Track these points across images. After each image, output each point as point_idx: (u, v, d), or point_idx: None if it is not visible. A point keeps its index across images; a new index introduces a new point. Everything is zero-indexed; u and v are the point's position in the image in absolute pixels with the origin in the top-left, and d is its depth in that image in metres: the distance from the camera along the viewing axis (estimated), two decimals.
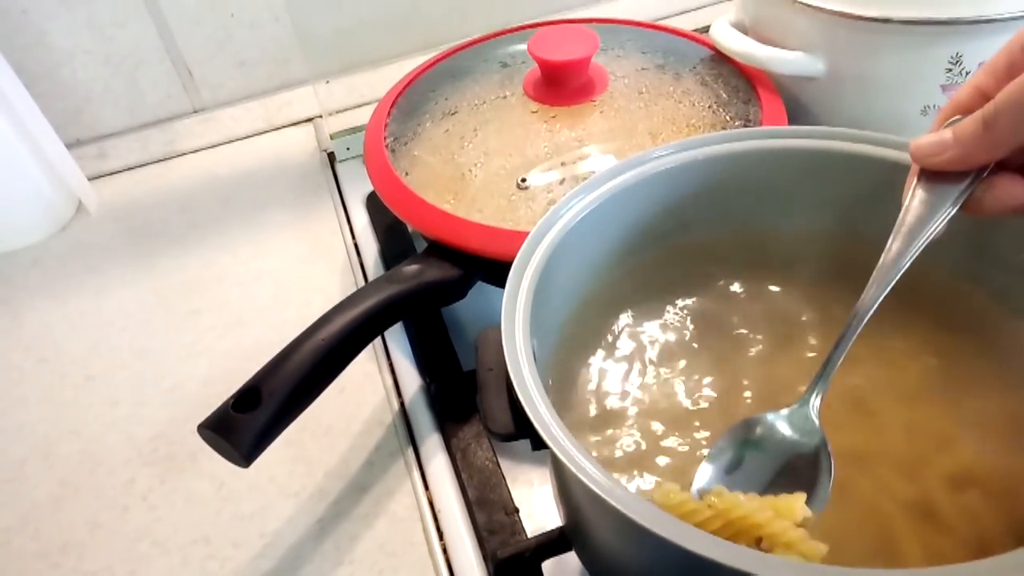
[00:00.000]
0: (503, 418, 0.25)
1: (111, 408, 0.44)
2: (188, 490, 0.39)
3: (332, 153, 0.60)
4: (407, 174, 0.43)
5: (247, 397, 0.32)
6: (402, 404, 0.42)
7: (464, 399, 0.40)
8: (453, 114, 0.45)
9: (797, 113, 0.46)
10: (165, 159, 0.62)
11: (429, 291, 0.38)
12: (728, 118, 0.43)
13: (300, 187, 0.58)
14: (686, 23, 0.66)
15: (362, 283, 0.49)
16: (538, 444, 0.24)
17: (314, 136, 0.63)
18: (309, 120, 0.64)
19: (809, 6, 0.43)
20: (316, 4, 0.59)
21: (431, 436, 0.39)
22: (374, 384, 0.43)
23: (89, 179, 0.59)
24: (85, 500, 0.39)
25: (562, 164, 0.41)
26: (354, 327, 0.35)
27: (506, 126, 0.43)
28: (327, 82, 0.59)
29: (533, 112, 0.44)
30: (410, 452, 0.39)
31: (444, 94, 0.47)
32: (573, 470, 0.22)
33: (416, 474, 0.38)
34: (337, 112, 0.61)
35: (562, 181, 0.40)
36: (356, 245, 0.52)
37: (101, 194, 0.59)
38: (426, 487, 0.38)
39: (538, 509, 0.36)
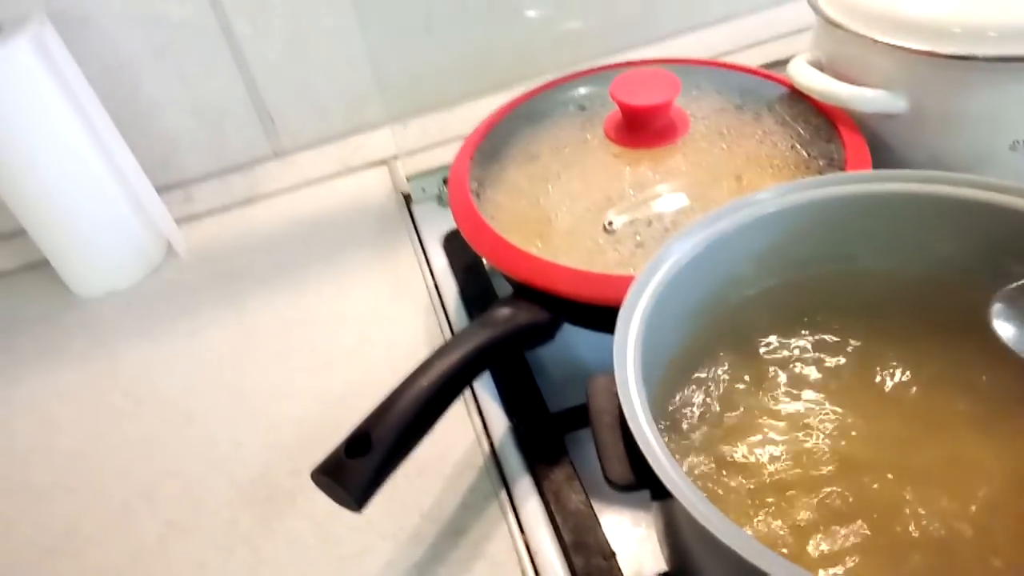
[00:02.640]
0: (622, 469, 0.25)
1: (210, 448, 0.45)
2: (289, 531, 0.40)
3: (408, 195, 0.62)
4: (493, 218, 0.44)
5: (358, 442, 0.33)
6: (492, 446, 0.42)
7: (552, 441, 0.41)
8: (535, 158, 0.46)
9: (878, 149, 0.45)
10: (247, 202, 0.65)
11: (521, 334, 0.39)
12: (811, 157, 0.43)
13: (378, 228, 0.60)
14: (751, 58, 0.66)
15: (445, 324, 0.50)
16: (658, 494, 0.24)
17: (389, 178, 0.64)
18: (383, 162, 0.66)
19: (891, 45, 0.43)
20: (393, 51, 0.61)
21: (522, 478, 0.40)
22: (463, 426, 0.43)
23: (177, 222, 0.62)
24: (191, 540, 0.41)
25: (648, 207, 0.41)
26: (454, 372, 0.36)
27: (589, 169, 0.44)
28: (404, 126, 0.61)
29: (616, 156, 0.44)
30: (503, 495, 0.40)
31: (525, 138, 0.48)
32: (700, 521, 0.22)
33: (511, 517, 0.39)
34: (412, 152, 0.63)
35: (649, 223, 0.41)
36: (436, 285, 0.53)
37: (189, 237, 0.62)
38: (521, 531, 0.38)
39: (634, 552, 0.36)
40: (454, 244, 0.57)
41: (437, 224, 0.58)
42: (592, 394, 0.28)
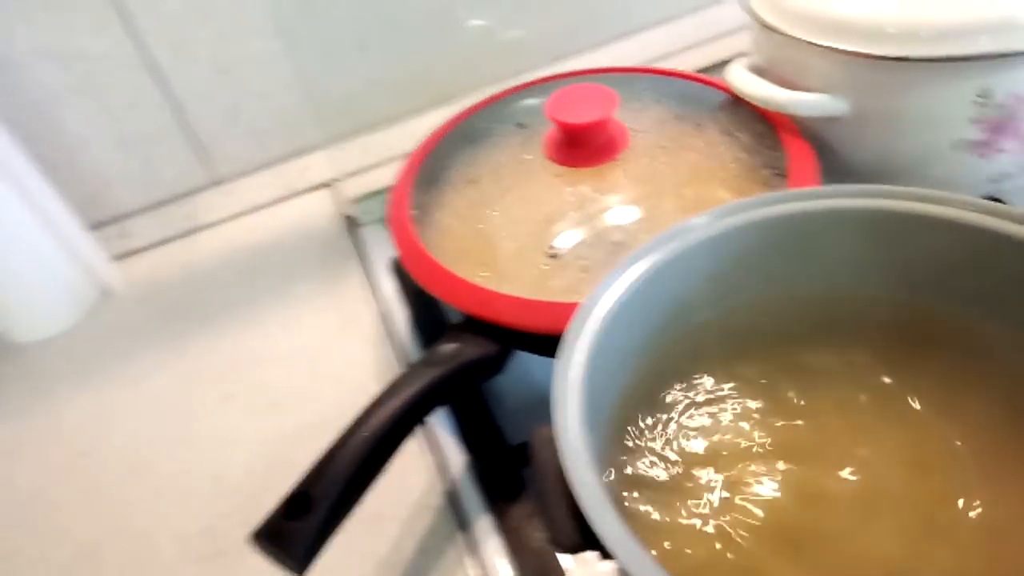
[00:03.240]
0: (567, 530, 0.24)
1: (157, 502, 0.44)
2: None
3: (352, 217, 0.60)
4: (436, 247, 0.42)
5: (297, 502, 0.31)
6: (449, 483, 0.41)
7: (512, 476, 0.40)
8: (476, 182, 0.45)
9: (822, 153, 0.45)
10: (187, 234, 0.62)
11: (469, 371, 0.38)
12: (756, 166, 0.42)
13: (324, 254, 0.58)
14: (694, 60, 0.65)
15: (393, 355, 0.49)
16: (607, 555, 0.24)
17: (331, 200, 0.63)
18: (327, 185, 0.64)
19: (827, 48, 0.42)
20: (327, 70, 0.60)
21: (482, 517, 0.39)
22: (418, 465, 0.42)
23: (114, 258, 0.60)
24: None
25: (592, 228, 0.40)
26: (398, 418, 0.34)
27: (530, 192, 0.43)
28: (343, 148, 0.59)
29: (556, 176, 0.43)
30: (462, 536, 0.39)
31: (464, 160, 0.47)
32: None
33: (470, 560, 0.38)
34: (353, 174, 0.61)
35: (594, 246, 0.40)
36: (385, 313, 0.52)
37: (128, 274, 0.59)
38: (484, 573, 0.37)
39: None
40: (403, 269, 0.55)
41: (384, 248, 0.57)
42: (536, 447, 0.27)
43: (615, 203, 0.41)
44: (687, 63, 0.66)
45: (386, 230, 0.58)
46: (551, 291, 0.39)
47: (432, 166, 0.48)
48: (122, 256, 0.61)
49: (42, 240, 0.53)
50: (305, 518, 0.31)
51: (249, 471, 0.44)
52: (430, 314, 0.50)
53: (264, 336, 0.52)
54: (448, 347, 0.38)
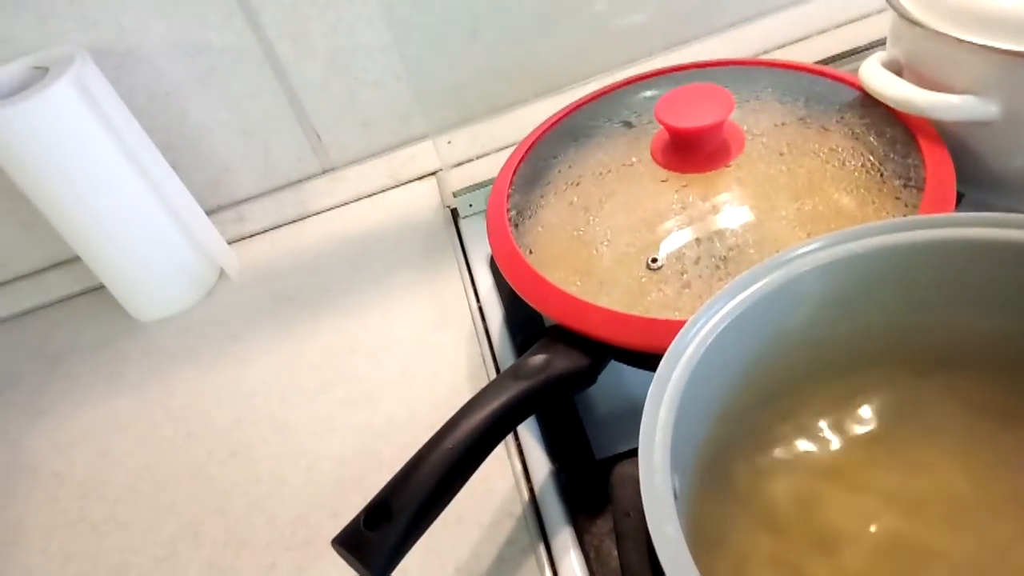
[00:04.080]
0: (643, 574, 0.23)
1: (253, 485, 0.45)
2: None
3: (455, 209, 0.60)
4: (531, 252, 0.41)
5: (377, 512, 0.31)
6: (532, 492, 0.40)
7: (596, 490, 0.38)
8: (577, 184, 0.44)
9: (966, 161, 0.40)
10: (298, 219, 0.64)
11: (558, 383, 0.37)
12: (885, 177, 0.38)
13: (426, 245, 0.58)
14: (823, 46, 0.60)
15: (488, 354, 0.48)
16: None
17: (438, 190, 0.63)
18: (432, 174, 0.64)
19: (980, 45, 0.38)
20: (437, 61, 0.59)
21: (563, 530, 0.38)
22: (503, 469, 0.41)
23: (230, 243, 0.62)
24: None
25: (697, 241, 0.38)
26: (483, 431, 0.34)
27: (634, 198, 0.41)
28: (448, 142, 0.59)
29: (663, 181, 0.41)
30: (541, 548, 0.38)
31: (567, 160, 0.45)
32: None
33: (548, 574, 0.37)
34: (459, 164, 0.61)
35: (697, 260, 0.37)
36: (481, 310, 0.52)
37: (242, 257, 0.62)
38: None
39: None
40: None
41: (484, 242, 0.56)
42: (616, 484, 0.26)
43: (725, 214, 0.39)
44: (814, 51, 0.61)
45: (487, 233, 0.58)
46: (648, 306, 0.37)
47: (533, 165, 0.47)
48: (238, 240, 0.64)
49: (168, 225, 0.56)
50: (384, 528, 0.31)
51: (341, 462, 0.45)
52: (525, 313, 0.49)
53: (363, 325, 0.53)
54: (538, 359, 0.37)
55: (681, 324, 0.27)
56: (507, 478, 0.41)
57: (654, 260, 0.38)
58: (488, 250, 0.55)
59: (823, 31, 0.62)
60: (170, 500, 0.46)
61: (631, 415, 0.43)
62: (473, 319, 0.51)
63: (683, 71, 0.49)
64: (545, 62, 0.62)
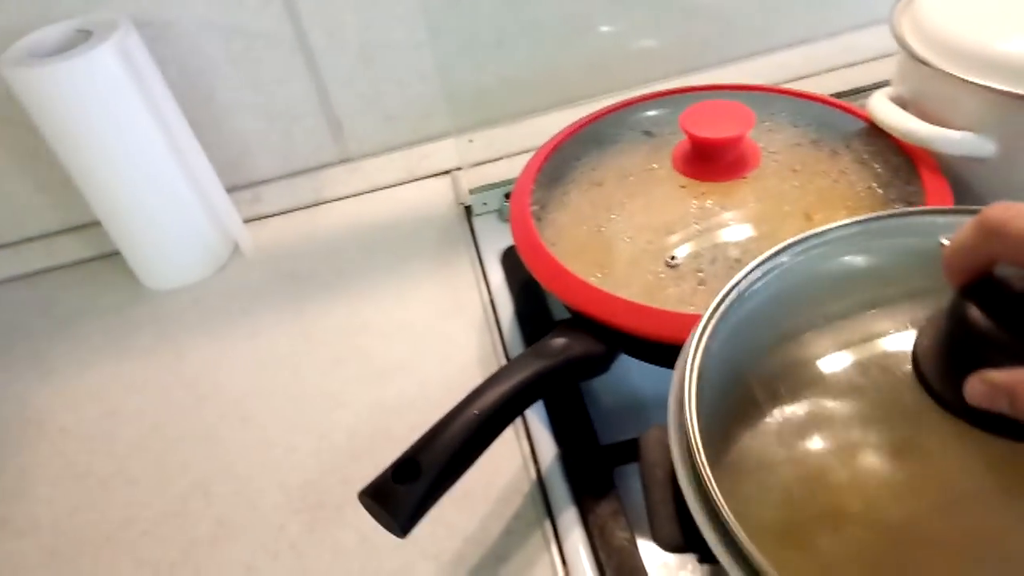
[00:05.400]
0: (671, 530, 0.25)
1: (265, 450, 0.47)
2: (335, 541, 0.41)
3: (469, 207, 0.62)
4: (553, 244, 0.44)
5: (406, 468, 0.33)
6: (539, 473, 0.42)
7: (601, 473, 0.41)
8: (599, 184, 0.46)
9: (962, 194, 0.44)
10: (313, 205, 0.66)
11: (575, 366, 0.39)
12: (889, 200, 0.42)
13: (439, 239, 0.60)
14: (828, 84, 0.64)
15: (499, 342, 0.50)
16: (707, 558, 0.24)
17: (452, 189, 0.65)
18: (447, 172, 0.66)
19: (981, 86, 0.41)
20: (463, 63, 0.62)
21: (568, 509, 0.40)
22: (511, 451, 0.43)
23: (245, 222, 0.64)
24: (240, 542, 0.42)
25: (712, 243, 0.41)
26: (505, 401, 0.36)
27: (655, 200, 0.44)
28: (470, 140, 0.61)
29: (682, 187, 0.44)
30: (547, 524, 0.40)
31: (590, 163, 0.48)
32: None
33: (554, 548, 0.39)
34: (474, 165, 0.63)
35: (713, 261, 0.40)
36: (492, 302, 0.54)
37: (256, 237, 0.63)
38: (564, 563, 0.38)
39: None
40: (512, 261, 0.57)
41: (497, 239, 0.58)
42: (644, 446, 0.28)
43: (739, 220, 0.41)
44: (820, 87, 0.64)
45: (501, 223, 0.60)
46: (665, 299, 0.39)
47: (557, 164, 0.49)
48: (253, 220, 0.65)
49: (188, 196, 0.57)
50: (412, 484, 0.32)
51: (351, 434, 0.46)
52: (535, 308, 0.51)
53: (376, 308, 0.55)
54: (557, 341, 0.39)
55: (696, 318, 0.29)
56: (515, 459, 0.43)
57: (672, 258, 0.40)
58: (500, 247, 0.58)
59: (830, 70, 0.66)
60: (180, 460, 0.47)
61: (635, 407, 0.45)
62: (484, 309, 0.53)
63: (703, 91, 0.52)
64: (565, 76, 0.65)
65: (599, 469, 0.41)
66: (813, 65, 0.66)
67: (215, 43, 0.59)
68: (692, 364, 0.27)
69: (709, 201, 0.42)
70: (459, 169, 0.66)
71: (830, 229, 0.31)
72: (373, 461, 0.34)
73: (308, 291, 0.58)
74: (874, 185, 0.42)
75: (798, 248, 0.31)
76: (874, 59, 0.65)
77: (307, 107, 0.63)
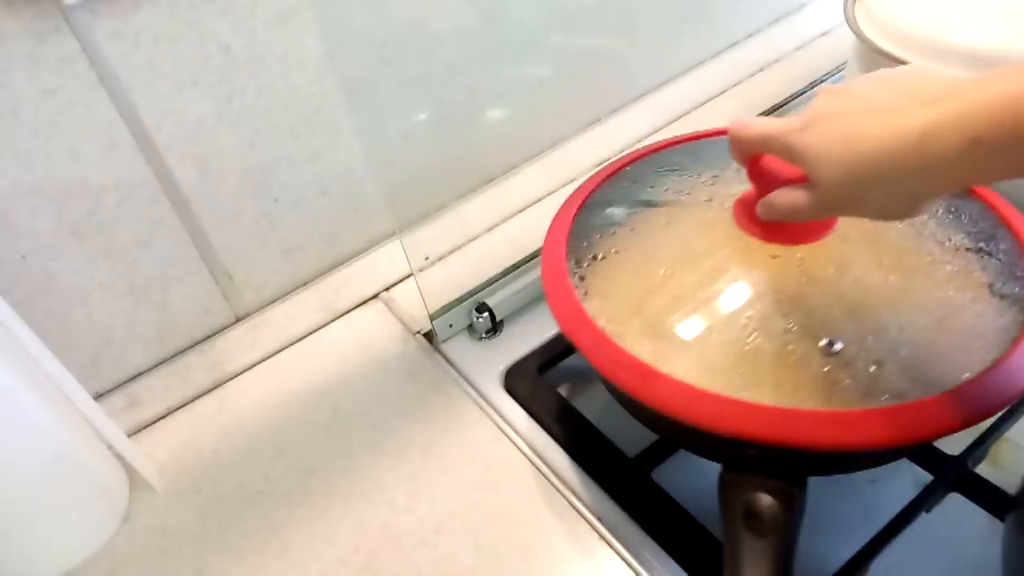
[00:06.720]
0: None
1: None
2: None
3: (429, 332, 0.50)
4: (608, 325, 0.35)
5: None
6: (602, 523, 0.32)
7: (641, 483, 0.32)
8: (651, 258, 0.37)
9: None
10: (214, 387, 0.49)
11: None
12: (972, 269, 0.36)
13: (408, 387, 0.47)
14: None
15: (569, 493, 0.39)
16: None
17: (390, 313, 0.52)
18: (375, 296, 0.53)
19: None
20: (364, 171, 0.50)
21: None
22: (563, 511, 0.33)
23: (128, 436, 0.46)
24: None
25: (855, 319, 0.34)
26: None
27: (739, 271, 0.36)
28: (426, 258, 0.49)
29: (774, 257, 0.36)
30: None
31: (635, 232, 0.39)
32: None
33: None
34: (403, 280, 0.52)
35: (864, 338, 0.33)
36: (531, 446, 0.43)
37: (150, 456, 0.45)
38: None
39: None
40: (521, 381, 0.46)
41: (482, 363, 0.48)
42: None
43: (829, 295, 0.35)
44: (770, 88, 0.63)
45: (473, 340, 0.49)
46: (845, 396, 0.31)
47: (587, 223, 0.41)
48: (135, 432, 0.47)
49: (49, 437, 0.39)
50: None
51: None
52: (578, 426, 0.43)
53: (390, 511, 0.41)
54: (760, 505, 0.30)
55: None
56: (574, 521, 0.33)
57: (830, 344, 0.33)
58: (493, 370, 0.47)
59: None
60: None
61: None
62: (525, 457, 0.42)
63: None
64: (479, 154, 0.56)
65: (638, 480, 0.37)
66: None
67: (44, 215, 0.41)
68: None
69: (789, 270, 0.35)
70: (387, 290, 0.53)
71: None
72: None
73: (257, 523, 0.41)
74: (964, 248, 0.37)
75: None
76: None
77: (182, 265, 0.47)
